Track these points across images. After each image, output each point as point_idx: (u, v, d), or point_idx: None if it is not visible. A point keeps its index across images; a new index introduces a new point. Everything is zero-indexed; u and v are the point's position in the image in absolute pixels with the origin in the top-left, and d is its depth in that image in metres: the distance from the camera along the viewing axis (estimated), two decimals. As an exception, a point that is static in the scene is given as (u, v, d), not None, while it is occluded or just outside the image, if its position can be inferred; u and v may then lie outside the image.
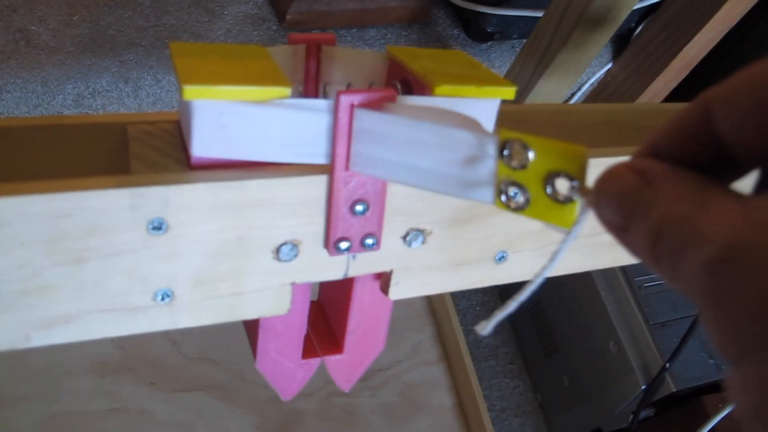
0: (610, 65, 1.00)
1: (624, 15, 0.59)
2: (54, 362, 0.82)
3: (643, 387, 0.83)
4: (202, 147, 0.26)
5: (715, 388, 0.83)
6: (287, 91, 0.25)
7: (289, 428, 0.86)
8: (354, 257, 0.29)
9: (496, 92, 0.28)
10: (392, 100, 0.26)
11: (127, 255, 0.25)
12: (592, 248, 0.35)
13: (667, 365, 0.79)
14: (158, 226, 0.25)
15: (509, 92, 0.29)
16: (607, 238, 0.36)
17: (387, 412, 0.88)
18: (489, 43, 0.95)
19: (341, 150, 0.26)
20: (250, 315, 0.29)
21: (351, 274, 0.30)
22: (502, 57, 0.93)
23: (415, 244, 0.30)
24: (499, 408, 1.03)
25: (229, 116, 0.25)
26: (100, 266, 0.25)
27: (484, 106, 0.29)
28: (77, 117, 0.29)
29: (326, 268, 0.29)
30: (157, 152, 0.27)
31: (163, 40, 0.80)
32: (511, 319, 1.11)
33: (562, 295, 0.97)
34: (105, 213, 0.24)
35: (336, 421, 0.87)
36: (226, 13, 0.86)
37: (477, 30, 0.92)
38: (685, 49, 0.89)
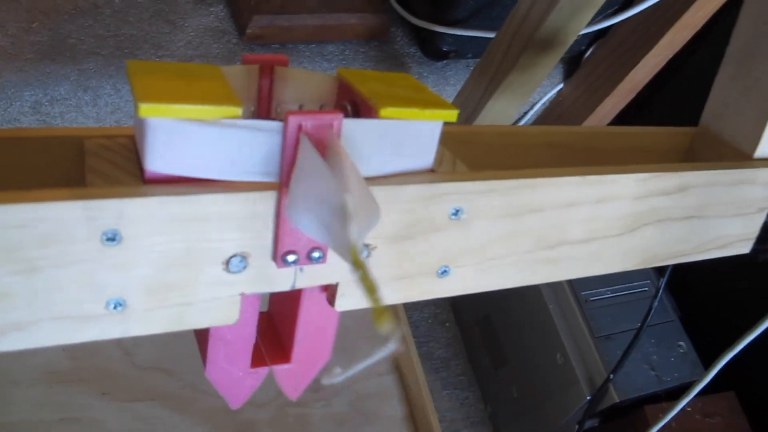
0: (561, 86, 1.04)
1: (571, 40, 0.62)
2: (2, 371, 0.81)
3: (588, 398, 0.85)
4: (155, 162, 0.27)
5: (656, 398, 0.86)
6: (238, 110, 0.26)
7: (242, 438, 0.87)
8: (301, 270, 0.31)
9: (438, 115, 0.30)
10: (339, 122, 0.27)
11: (81, 265, 0.26)
12: (530, 264, 0.37)
13: (611, 377, 0.82)
14: (112, 238, 0.26)
15: (451, 115, 0.30)
16: (543, 255, 0.38)
17: (339, 422, 0.89)
18: (445, 62, 0.97)
19: (289, 169, 0.27)
20: (200, 324, 0.30)
21: (298, 285, 0.31)
22: (457, 75, 0.96)
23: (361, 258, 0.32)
24: (449, 419, 1.05)
25: (181, 134, 0.26)
26: (54, 276, 0.26)
27: (427, 128, 0.31)
28: (35, 130, 0.30)
29: (274, 279, 0.30)
30: (112, 166, 0.28)
31: (123, 50, 0.81)
32: (462, 331, 1.13)
33: (510, 308, 1.00)
34: (60, 224, 0.25)
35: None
36: (187, 25, 0.87)
37: (433, 48, 0.94)
38: (631, 73, 0.92)
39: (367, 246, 0.31)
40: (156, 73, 0.28)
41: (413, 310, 1.13)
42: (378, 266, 0.32)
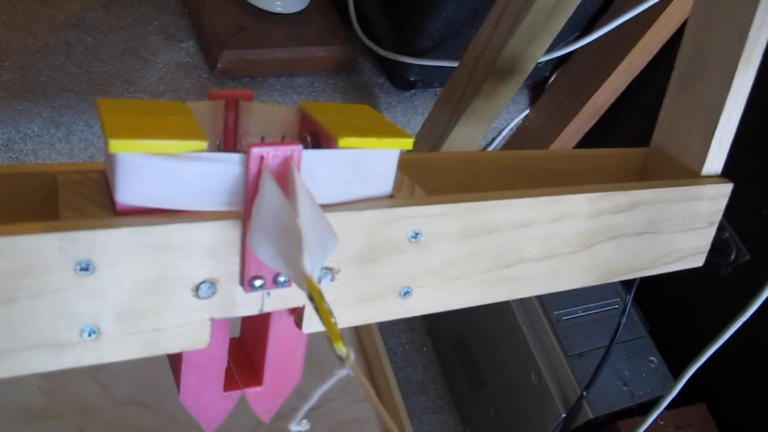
0: (527, 111, 1.06)
1: (530, 66, 0.64)
2: (-23, 412, 0.80)
3: (563, 415, 0.87)
4: (125, 195, 0.28)
5: (629, 413, 0.87)
6: (204, 144, 0.28)
7: (222, 469, 0.86)
8: (268, 294, 0.32)
9: (394, 143, 0.32)
10: (298, 152, 0.29)
11: (55, 294, 0.28)
12: (490, 282, 0.39)
13: (584, 393, 0.84)
14: (85, 267, 0.27)
15: (407, 143, 0.32)
16: (503, 273, 0.39)
17: (319, 449, 0.89)
18: (413, 91, 1.00)
19: (251, 198, 0.29)
20: (172, 349, 0.31)
21: (266, 309, 0.33)
22: (425, 104, 0.98)
23: (325, 281, 0.33)
24: (429, 442, 1.06)
25: (150, 167, 0.27)
26: (30, 305, 0.27)
27: (384, 156, 0.32)
28: (7, 167, 0.31)
29: (242, 304, 0.32)
30: (84, 199, 0.30)
31: (95, 86, 0.82)
32: (439, 356, 1.14)
33: (485, 331, 1.01)
34: (35, 255, 0.26)
35: (268, 460, 0.87)
36: (158, 61, 0.88)
37: (400, 79, 0.97)
38: (594, 97, 0.95)
39: (330, 269, 0.33)
40: (125, 110, 0.30)
41: (390, 336, 1.14)
42: (342, 288, 0.34)
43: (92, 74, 0.83)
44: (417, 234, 0.34)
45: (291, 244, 0.26)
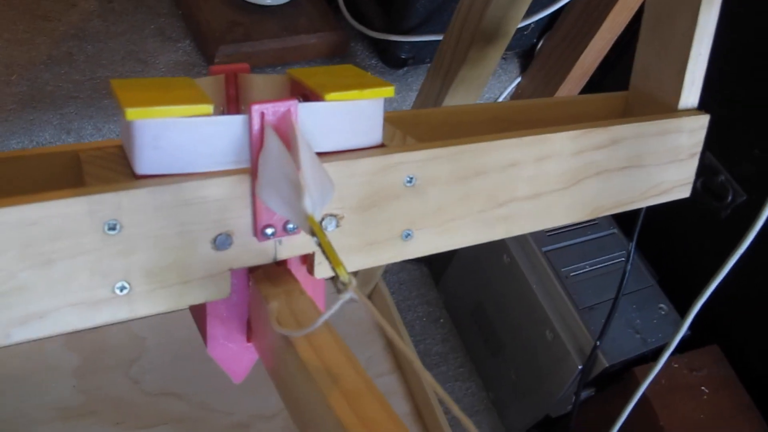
0: (519, 79, 1.09)
1: (512, 30, 0.67)
2: (16, 412, 0.84)
3: (579, 367, 0.89)
4: (143, 165, 0.31)
5: (644, 359, 0.90)
6: (210, 108, 0.31)
7: (255, 451, 0.90)
8: (280, 242, 0.35)
9: (376, 93, 0.35)
10: (295, 107, 0.32)
11: (89, 254, 0.31)
12: (485, 222, 0.42)
13: (598, 344, 0.86)
14: (113, 227, 0.30)
15: (389, 91, 0.35)
16: (496, 213, 0.42)
17: (348, 423, 0.92)
18: (405, 69, 1.02)
19: (257, 154, 0.32)
20: (197, 300, 0.34)
21: (279, 257, 0.36)
22: (418, 81, 1.01)
23: (330, 228, 0.36)
24: (454, 409, 1.09)
25: (163, 131, 0.30)
26: (67, 265, 0.30)
27: (369, 105, 0.35)
28: (34, 149, 0.35)
29: (257, 253, 0.35)
30: (106, 170, 0.33)
31: (100, 91, 0.85)
32: (457, 325, 1.17)
33: (499, 295, 1.04)
34: (67, 219, 0.29)
35: (299, 438, 0.90)
36: (157, 62, 0.92)
37: (392, 57, 1.00)
38: (581, 58, 0.98)
39: (335, 216, 0.36)
40: (136, 86, 0.33)
41: (407, 311, 1.17)
42: (348, 234, 0.37)
43: (96, 80, 0.86)
44: (411, 179, 0.37)
45: (294, 190, 0.29)
